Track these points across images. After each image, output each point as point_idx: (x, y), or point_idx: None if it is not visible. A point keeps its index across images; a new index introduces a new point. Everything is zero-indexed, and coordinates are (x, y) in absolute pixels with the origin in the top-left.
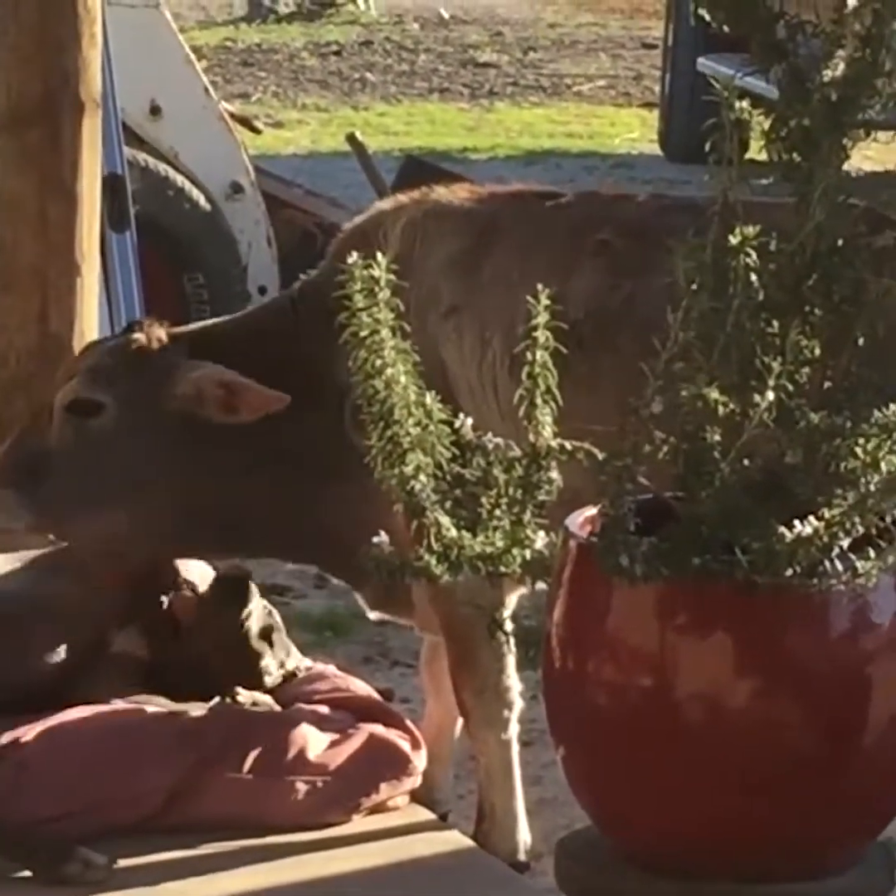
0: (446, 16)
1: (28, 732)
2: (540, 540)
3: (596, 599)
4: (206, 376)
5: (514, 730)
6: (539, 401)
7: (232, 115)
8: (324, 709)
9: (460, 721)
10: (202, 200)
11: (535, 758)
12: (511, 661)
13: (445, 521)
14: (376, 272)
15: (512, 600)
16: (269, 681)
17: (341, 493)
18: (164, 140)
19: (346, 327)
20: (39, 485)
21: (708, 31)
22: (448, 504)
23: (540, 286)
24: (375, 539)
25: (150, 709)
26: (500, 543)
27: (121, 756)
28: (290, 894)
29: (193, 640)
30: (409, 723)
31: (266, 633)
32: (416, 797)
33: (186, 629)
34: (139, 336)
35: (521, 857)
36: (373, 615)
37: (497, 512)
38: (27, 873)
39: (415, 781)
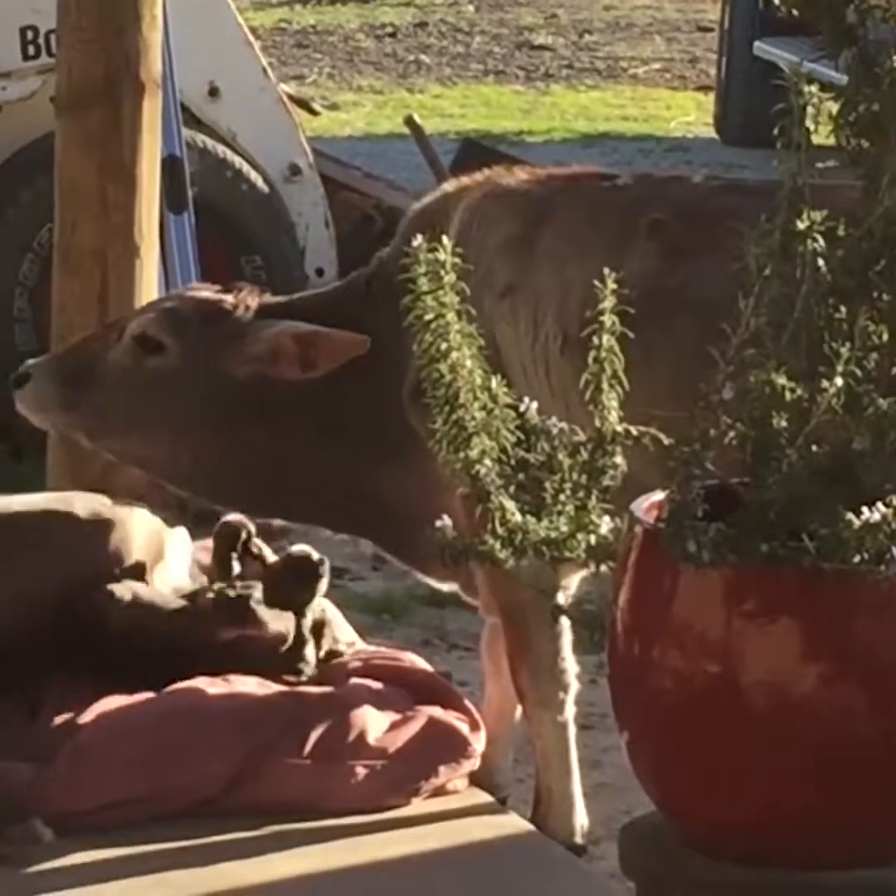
0: None
1: (85, 715)
2: (605, 525)
3: (662, 585)
4: (282, 332)
5: (570, 712)
6: (605, 385)
7: (290, 97)
8: (381, 685)
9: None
10: (260, 182)
11: (595, 742)
12: (567, 643)
13: (510, 505)
14: (442, 255)
15: (573, 583)
16: (307, 671)
17: (397, 472)
18: (222, 121)
19: (411, 310)
20: (84, 391)
21: (764, 15)
22: (512, 488)
23: (606, 269)
24: (439, 523)
25: (208, 691)
26: (564, 528)
27: (180, 742)
28: (347, 878)
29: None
30: (468, 703)
31: (317, 627)
32: (476, 780)
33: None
34: (226, 295)
35: (579, 840)
36: (445, 587)
37: (561, 497)
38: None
39: (474, 764)
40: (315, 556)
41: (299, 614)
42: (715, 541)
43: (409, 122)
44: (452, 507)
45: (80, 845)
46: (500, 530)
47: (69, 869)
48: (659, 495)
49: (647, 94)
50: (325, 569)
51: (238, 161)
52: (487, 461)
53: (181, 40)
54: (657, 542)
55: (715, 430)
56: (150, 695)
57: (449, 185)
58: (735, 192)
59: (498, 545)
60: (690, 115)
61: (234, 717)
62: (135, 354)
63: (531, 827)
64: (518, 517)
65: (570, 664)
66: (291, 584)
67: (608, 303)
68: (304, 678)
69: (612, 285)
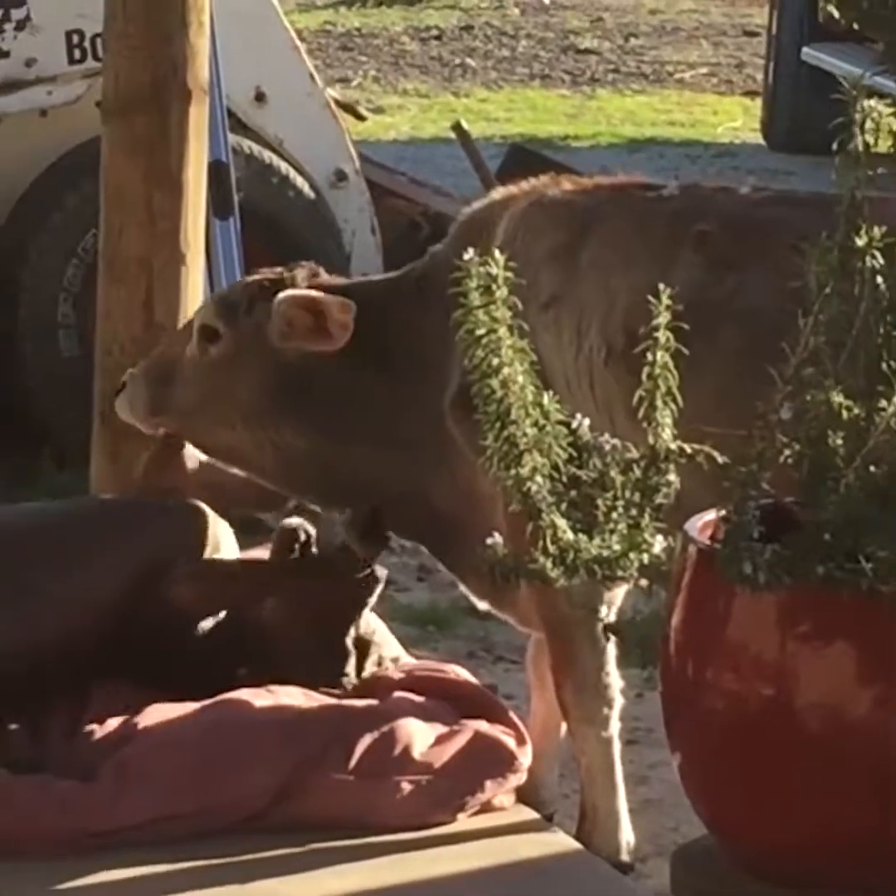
0: (547, 1)
1: (128, 729)
2: (658, 544)
3: (716, 606)
4: (283, 300)
5: (614, 728)
6: (659, 402)
7: (336, 102)
8: (426, 699)
9: None
10: (306, 188)
11: (641, 757)
12: (611, 657)
13: (562, 523)
14: (494, 269)
15: (618, 596)
16: (345, 682)
17: (441, 477)
18: (268, 127)
19: (461, 323)
20: (170, 390)
21: (813, 20)
22: (564, 506)
23: (661, 285)
24: (489, 540)
25: (253, 703)
26: (616, 547)
27: (226, 757)
28: (392, 895)
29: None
30: (514, 717)
31: (362, 643)
32: (522, 796)
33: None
34: (271, 275)
35: (624, 857)
36: (481, 605)
37: (614, 515)
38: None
39: (520, 779)
40: (374, 569)
41: (346, 626)
42: (771, 562)
43: (457, 127)
44: (496, 518)
45: (123, 861)
46: (551, 549)
47: (110, 885)
48: (712, 514)
49: (693, 99)
50: (382, 579)
51: (284, 167)
52: (539, 478)
53: (228, 45)
54: (712, 563)
55: (771, 450)
56: (193, 706)
57: (497, 193)
58: (783, 204)
59: (549, 564)
60: (737, 120)
61: (279, 731)
62: (201, 346)
63: (578, 845)
64: (570, 536)
65: (615, 679)
66: (343, 595)
67: (663, 318)
68: (345, 690)
69: (666, 300)
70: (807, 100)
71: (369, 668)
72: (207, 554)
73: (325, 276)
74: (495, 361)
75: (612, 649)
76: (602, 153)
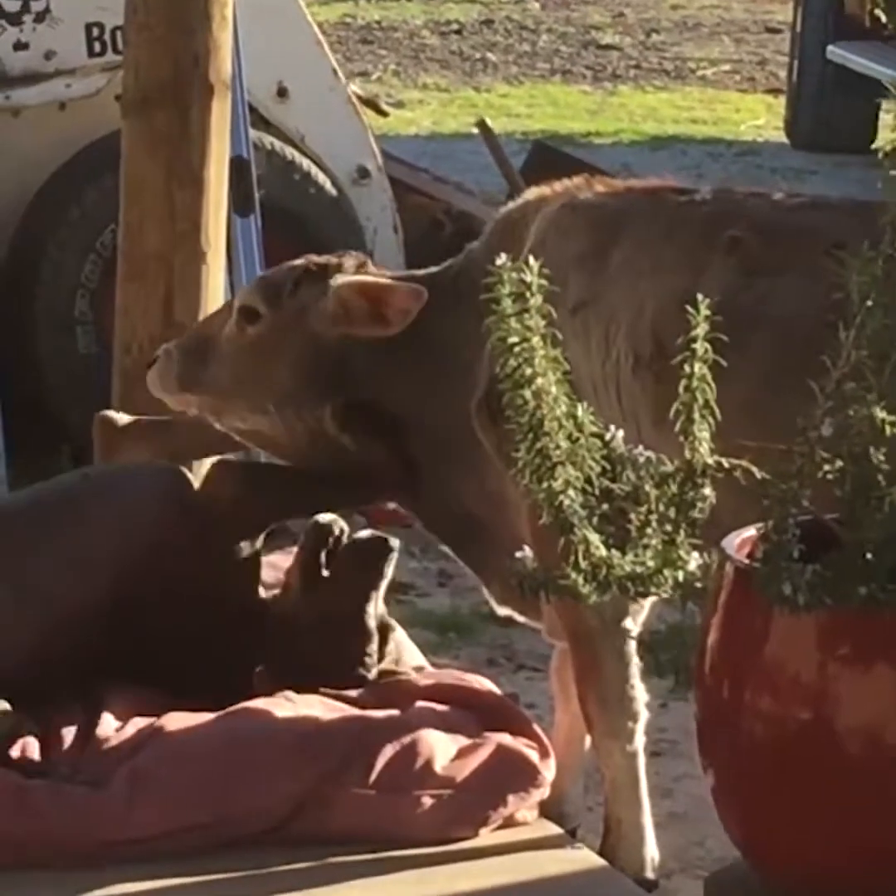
0: None
1: (143, 735)
2: (693, 561)
3: (754, 626)
4: (345, 285)
5: (639, 741)
6: (696, 415)
7: (358, 97)
8: (448, 709)
9: None
10: (328, 185)
11: (665, 770)
12: (636, 670)
13: (595, 538)
14: (528, 276)
15: (644, 609)
16: (367, 673)
17: (465, 478)
18: (290, 123)
19: (494, 331)
20: (203, 368)
21: (838, 18)
22: (595, 520)
23: (700, 296)
24: (518, 554)
25: (273, 713)
26: (651, 563)
27: (244, 768)
28: None
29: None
30: (538, 729)
31: (383, 629)
32: (545, 810)
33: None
34: (318, 260)
35: (649, 874)
36: (501, 611)
37: (648, 530)
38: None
39: (543, 793)
40: (386, 538)
41: (366, 598)
42: (811, 583)
43: (481, 125)
44: (520, 524)
45: (136, 873)
46: (583, 564)
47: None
48: (751, 531)
49: (715, 96)
50: (395, 548)
51: (306, 163)
52: (572, 492)
53: (250, 39)
54: (750, 582)
55: (812, 467)
56: (209, 715)
57: (531, 194)
58: (816, 209)
59: (580, 580)
60: (760, 118)
61: (298, 743)
62: (240, 325)
63: (603, 862)
64: (603, 551)
65: (640, 692)
66: (358, 567)
67: (701, 329)
68: (369, 678)
69: (704, 311)
70: (831, 98)
71: (388, 658)
72: None
73: (371, 267)
74: (528, 371)
75: (637, 661)
76: (624, 151)
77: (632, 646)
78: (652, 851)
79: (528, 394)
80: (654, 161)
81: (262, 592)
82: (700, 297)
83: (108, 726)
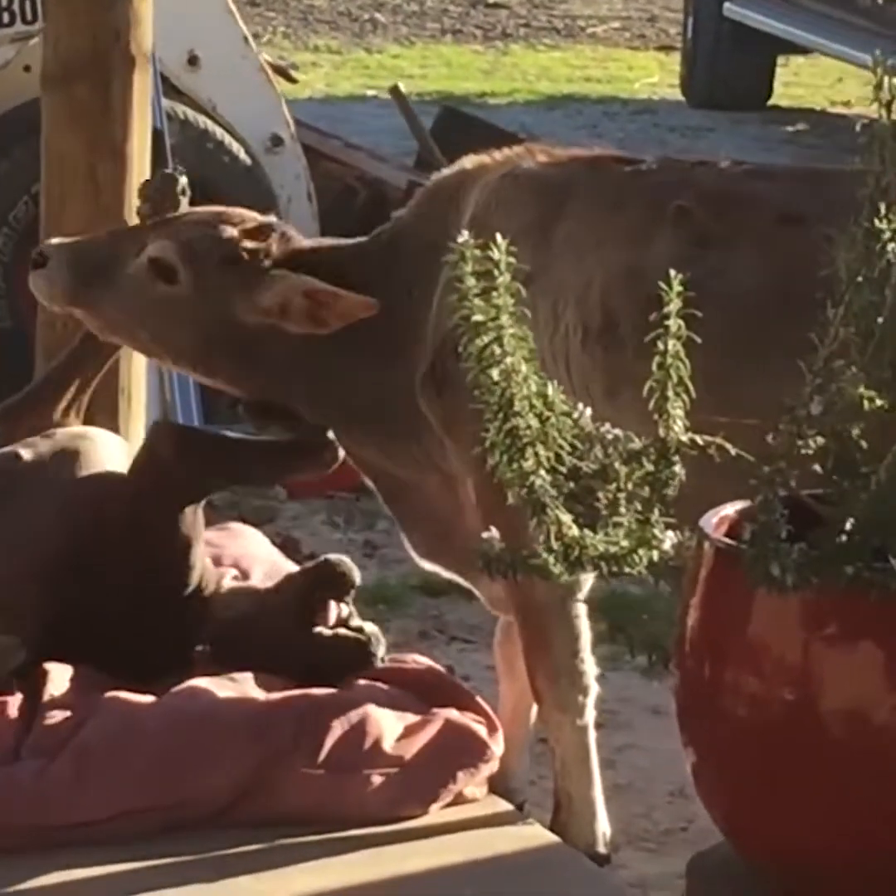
0: None
1: (87, 717)
2: (668, 540)
3: (736, 606)
4: (292, 287)
5: (590, 716)
6: (670, 393)
7: (271, 65)
8: (391, 687)
9: (535, 704)
10: (242, 154)
11: (608, 740)
12: (586, 643)
13: (567, 518)
14: (496, 254)
15: (589, 579)
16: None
17: (404, 445)
18: (202, 92)
19: (458, 310)
20: (96, 291)
21: None
22: (563, 499)
23: (672, 271)
24: (485, 535)
25: (218, 694)
26: (624, 543)
27: (192, 750)
28: (367, 892)
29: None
30: (482, 702)
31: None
32: (492, 785)
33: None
34: (257, 233)
35: (601, 849)
36: (423, 563)
37: (620, 508)
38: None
39: (492, 768)
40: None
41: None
42: (798, 563)
43: (395, 91)
44: (466, 496)
45: (83, 859)
46: (554, 544)
47: (71, 885)
48: (728, 510)
49: (607, 55)
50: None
51: (219, 132)
52: (542, 472)
53: (160, 7)
54: (732, 562)
55: (798, 447)
56: (152, 697)
57: (467, 162)
58: (764, 178)
59: (552, 560)
60: (654, 75)
61: (246, 724)
62: (149, 275)
63: (555, 838)
64: (575, 531)
65: (590, 666)
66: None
67: (674, 306)
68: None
69: (677, 287)
70: (727, 56)
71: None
72: None
73: (295, 238)
74: (497, 351)
75: (586, 634)
76: (520, 111)
77: (582, 618)
78: (604, 826)
79: (496, 373)
80: (550, 121)
81: (211, 569)
82: (673, 272)
83: (51, 703)
